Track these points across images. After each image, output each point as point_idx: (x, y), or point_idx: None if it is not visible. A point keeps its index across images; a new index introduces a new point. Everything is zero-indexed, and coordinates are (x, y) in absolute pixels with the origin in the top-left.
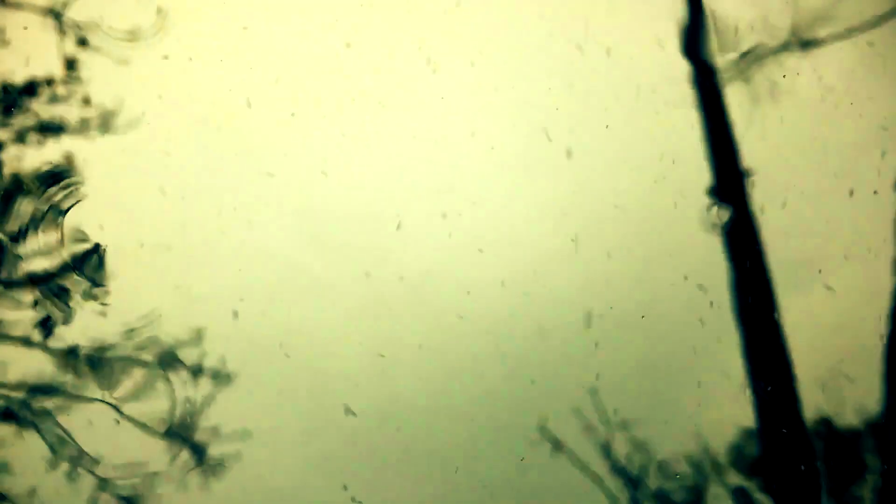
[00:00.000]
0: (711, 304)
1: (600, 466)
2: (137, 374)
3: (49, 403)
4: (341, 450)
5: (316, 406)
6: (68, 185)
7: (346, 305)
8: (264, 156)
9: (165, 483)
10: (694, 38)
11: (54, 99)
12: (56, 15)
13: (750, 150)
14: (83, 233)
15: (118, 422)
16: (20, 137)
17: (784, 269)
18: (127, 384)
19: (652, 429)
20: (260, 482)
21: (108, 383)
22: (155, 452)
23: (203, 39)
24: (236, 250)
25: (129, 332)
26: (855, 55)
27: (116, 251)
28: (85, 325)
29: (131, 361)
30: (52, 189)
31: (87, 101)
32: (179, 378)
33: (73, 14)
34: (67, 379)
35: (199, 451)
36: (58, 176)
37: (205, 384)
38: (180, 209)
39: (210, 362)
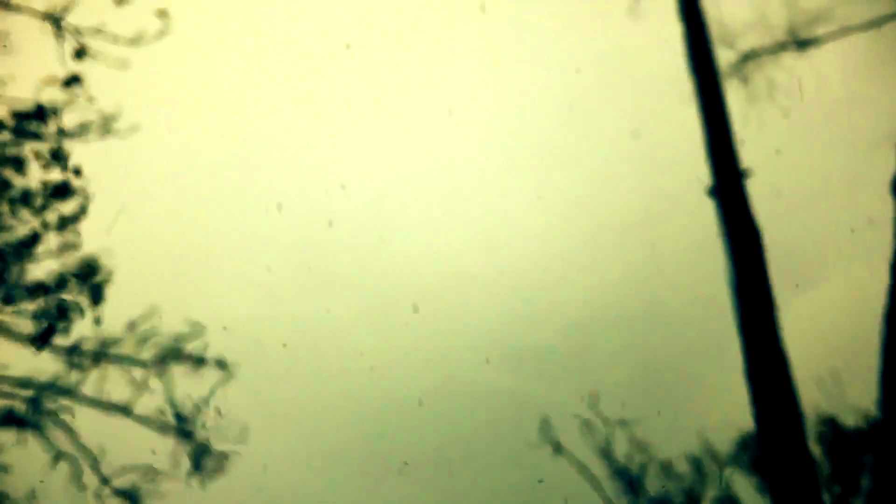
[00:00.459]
0: (711, 304)
1: (599, 467)
2: (139, 372)
3: (52, 402)
4: (340, 451)
5: (315, 406)
6: (73, 198)
7: (347, 305)
8: (265, 158)
9: (167, 480)
10: (695, 43)
11: (57, 109)
12: (55, 20)
13: (749, 151)
14: (84, 244)
15: (120, 419)
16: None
17: (783, 269)
18: (128, 382)
19: (652, 429)
20: (261, 479)
21: (109, 381)
22: (157, 449)
23: (204, 43)
24: (238, 251)
25: (131, 332)
26: (853, 55)
27: (118, 251)
28: (87, 324)
29: (133, 360)
30: (57, 202)
31: (87, 106)
32: (181, 376)
33: (72, 19)
34: (70, 377)
35: (200, 448)
36: (63, 189)
37: (206, 382)
38: (181, 209)
39: (211, 361)
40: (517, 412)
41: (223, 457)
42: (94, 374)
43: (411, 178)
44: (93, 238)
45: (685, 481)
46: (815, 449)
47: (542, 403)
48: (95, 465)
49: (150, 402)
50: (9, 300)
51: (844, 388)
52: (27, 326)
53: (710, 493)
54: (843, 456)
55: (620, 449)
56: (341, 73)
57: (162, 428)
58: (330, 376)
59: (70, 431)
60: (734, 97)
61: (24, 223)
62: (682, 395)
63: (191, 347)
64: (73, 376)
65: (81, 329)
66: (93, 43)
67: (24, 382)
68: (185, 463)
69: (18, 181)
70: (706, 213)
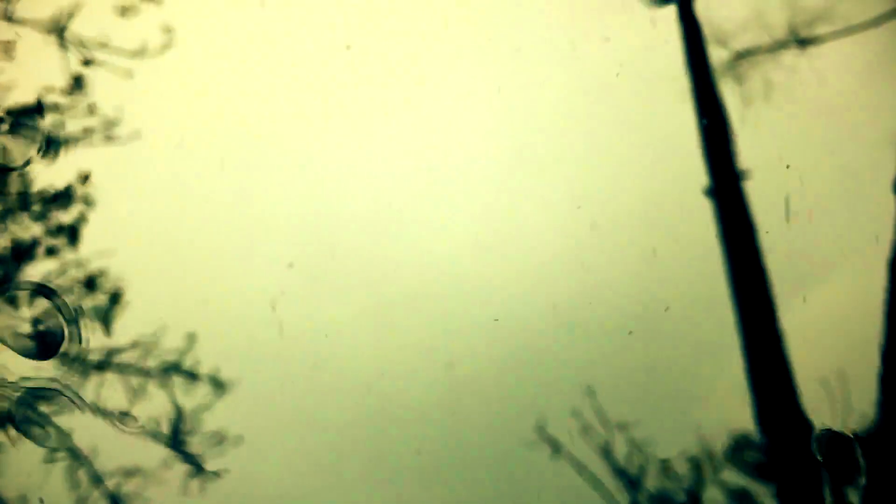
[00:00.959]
0: (711, 304)
1: (599, 468)
2: (137, 380)
3: (48, 407)
4: (337, 454)
5: (312, 409)
6: (77, 204)
7: (346, 309)
8: (268, 163)
9: (162, 488)
10: (692, 43)
11: (59, 114)
12: (59, 30)
13: (747, 151)
14: (86, 251)
15: (117, 427)
16: (32, 156)
17: (784, 269)
18: (126, 389)
19: (652, 429)
20: (256, 487)
21: (108, 388)
22: (152, 458)
23: (206, 50)
24: (241, 257)
25: (131, 340)
26: (853, 54)
27: (120, 260)
28: (88, 334)
29: (132, 368)
30: (60, 207)
31: (90, 114)
32: (178, 384)
33: (75, 29)
34: (68, 383)
35: (195, 457)
36: (67, 195)
37: (203, 390)
38: (183, 217)
39: (207, 369)
40: (517, 412)
41: (215, 474)
42: (93, 382)
43: (412, 178)
44: (94, 245)
45: (684, 481)
46: (816, 449)
47: (542, 403)
48: (90, 472)
49: (149, 409)
50: (9, 305)
51: (845, 389)
52: (29, 332)
53: (710, 493)
54: (843, 456)
55: (620, 449)
56: (342, 75)
57: (159, 435)
58: (330, 378)
59: (65, 435)
60: (732, 96)
61: (25, 229)
62: (683, 396)
63: (188, 359)
64: (73, 382)
65: (84, 334)
66: (97, 54)
67: (21, 384)
68: (182, 470)
69: (18, 186)
70: (705, 214)
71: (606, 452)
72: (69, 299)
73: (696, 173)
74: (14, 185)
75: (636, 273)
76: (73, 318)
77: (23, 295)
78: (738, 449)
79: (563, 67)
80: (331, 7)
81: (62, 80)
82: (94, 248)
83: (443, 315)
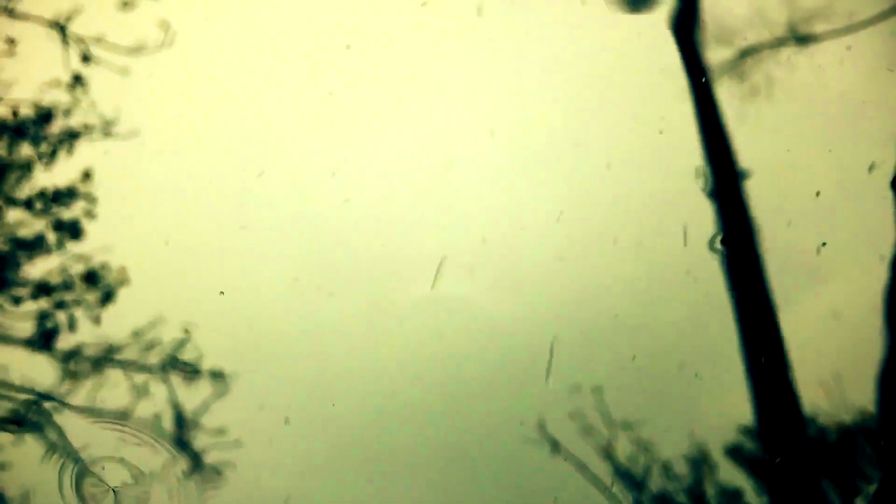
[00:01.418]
0: (712, 304)
1: (599, 468)
2: (137, 377)
3: (49, 406)
4: (337, 453)
5: (313, 408)
6: (79, 201)
7: (345, 307)
8: (266, 161)
9: (163, 486)
10: (687, 28)
11: (63, 113)
12: (61, 27)
13: (747, 150)
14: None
15: (116, 425)
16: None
17: (784, 269)
18: (126, 387)
19: (652, 429)
20: (257, 485)
21: (107, 386)
22: (153, 456)
23: (206, 49)
24: (238, 254)
25: (130, 336)
26: (853, 52)
27: (119, 256)
28: (87, 330)
29: (132, 364)
30: (61, 204)
31: (90, 111)
32: (178, 381)
33: (76, 27)
34: (68, 382)
35: (196, 454)
36: (70, 193)
37: (203, 387)
38: (182, 214)
39: (208, 365)
40: (518, 411)
41: (216, 469)
42: (92, 380)
43: (412, 177)
44: (96, 241)
45: (685, 481)
46: (816, 448)
47: (542, 404)
48: (90, 471)
49: (149, 406)
50: (9, 302)
51: (846, 388)
52: (27, 329)
53: (711, 493)
54: (843, 456)
55: (621, 449)
56: (342, 74)
57: (160, 432)
58: (330, 376)
59: (63, 434)
60: (731, 95)
61: (28, 226)
62: (684, 395)
63: (187, 354)
64: (72, 378)
65: (84, 330)
66: (96, 50)
67: (21, 383)
68: (183, 468)
69: (22, 183)
70: (705, 214)
71: (607, 452)
72: (69, 296)
73: (697, 173)
74: (14, 182)
75: (637, 273)
76: (73, 315)
77: (23, 292)
78: (739, 449)
79: (563, 67)
80: (331, 7)
81: (64, 76)
82: (94, 244)
83: (442, 313)
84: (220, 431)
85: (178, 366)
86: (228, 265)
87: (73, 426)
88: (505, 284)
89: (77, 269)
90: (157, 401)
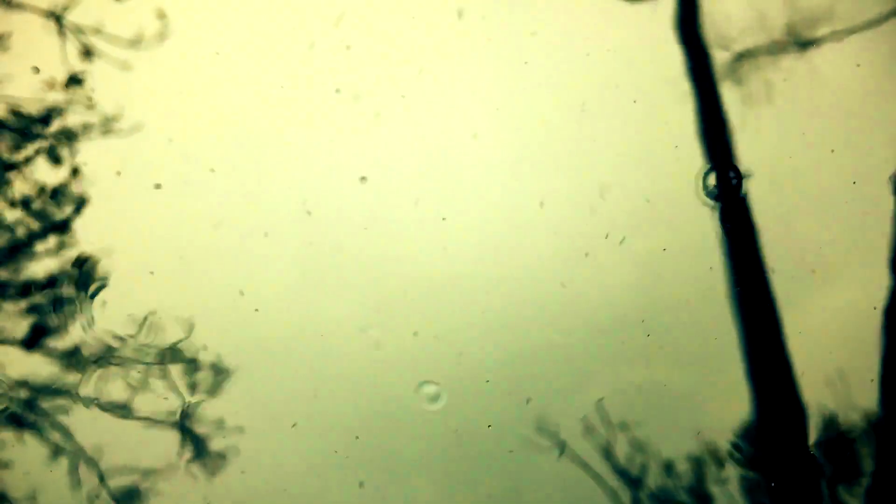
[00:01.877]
0: (713, 304)
1: (600, 467)
2: (138, 372)
3: (50, 403)
4: (338, 452)
5: (313, 406)
6: (72, 200)
7: (347, 304)
8: (266, 158)
9: (166, 479)
10: (690, 27)
11: (58, 109)
12: (57, 18)
13: (747, 152)
14: (83, 245)
15: (118, 419)
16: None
17: (784, 270)
18: (127, 381)
19: (654, 429)
20: (259, 477)
21: (108, 381)
22: (155, 449)
23: (205, 43)
24: (238, 250)
25: (130, 331)
26: (853, 55)
27: (117, 251)
28: (85, 326)
29: (132, 360)
30: (56, 202)
31: (88, 106)
32: (179, 374)
33: (74, 18)
34: (68, 378)
35: (199, 447)
36: (62, 190)
37: (205, 380)
38: (181, 211)
39: (210, 358)
40: (520, 411)
41: (220, 455)
42: (92, 374)
43: (412, 177)
44: (91, 238)
45: (686, 480)
46: (817, 448)
47: (545, 402)
48: (93, 464)
49: (151, 399)
50: (4, 300)
51: (846, 388)
52: (21, 327)
53: (712, 493)
54: (843, 456)
55: (622, 449)
56: (342, 74)
57: (162, 425)
58: (331, 375)
59: (66, 432)
60: (732, 98)
61: (21, 224)
62: (685, 396)
63: (186, 349)
64: (71, 376)
65: (78, 330)
66: (95, 42)
67: (20, 383)
68: (185, 461)
69: (17, 183)
70: (705, 216)
71: (608, 452)
72: (66, 293)
73: (697, 174)
74: (12, 180)
75: (638, 273)
76: (72, 312)
77: (19, 290)
78: (740, 448)
79: (564, 67)
80: (331, 7)
81: (61, 71)
82: (93, 242)
83: (445, 313)
84: (221, 427)
85: (180, 362)
86: (229, 264)
87: (75, 420)
88: (505, 284)
89: (73, 267)
90: (159, 395)
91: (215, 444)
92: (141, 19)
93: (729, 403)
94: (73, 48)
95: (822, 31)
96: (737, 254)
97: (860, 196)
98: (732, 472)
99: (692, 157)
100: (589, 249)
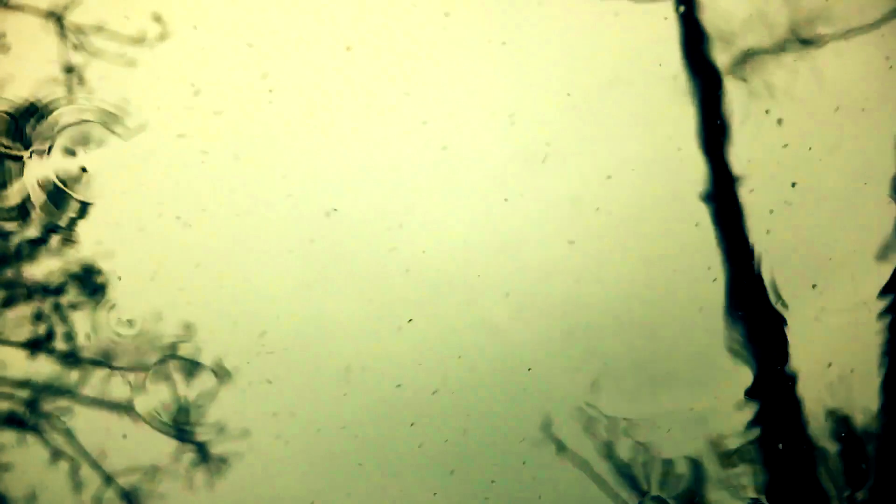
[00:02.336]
0: (714, 304)
1: (601, 467)
2: (139, 374)
3: (51, 404)
4: (339, 451)
5: (314, 406)
6: (75, 203)
7: (346, 304)
8: (267, 162)
9: (169, 481)
10: (692, 42)
11: (57, 108)
12: (57, 18)
13: (747, 152)
14: (88, 251)
15: (120, 421)
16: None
17: (784, 270)
18: (128, 383)
19: (655, 429)
20: (263, 480)
21: (109, 382)
22: (158, 450)
23: (206, 42)
24: (239, 252)
25: (132, 333)
26: (854, 54)
27: (118, 252)
28: (87, 328)
29: (133, 361)
30: (59, 206)
31: (87, 107)
32: (181, 376)
33: (74, 18)
34: (69, 379)
35: (202, 449)
36: (64, 193)
37: (206, 382)
38: (181, 210)
39: (210, 360)
40: (522, 411)
41: (222, 459)
42: (94, 376)
43: (412, 177)
44: (94, 240)
45: (687, 480)
46: (818, 447)
47: (545, 404)
48: (95, 466)
49: (153, 401)
50: (6, 303)
51: (847, 388)
52: (24, 332)
53: (712, 493)
54: (844, 457)
55: (623, 448)
56: (342, 74)
57: (164, 427)
58: (332, 375)
59: (68, 433)
60: (732, 97)
61: (24, 227)
62: (685, 396)
63: (187, 351)
64: (73, 377)
65: (84, 329)
66: (96, 42)
67: (22, 383)
68: (188, 462)
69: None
70: (703, 218)
71: (610, 451)
72: (68, 294)
73: (698, 175)
74: (10, 181)
75: (637, 274)
76: (72, 313)
77: (21, 292)
78: (740, 448)
79: (564, 67)
80: (330, 7)
81: (60, 71)
82: (93, 242)
83: (447, 313)
84: (222, 429)
85: (180, 362)
86: (230, 263)
87: (77, 422)
88: (506, 284)
89: (75, 268)
90: (160, 395)
91: (216, 446)
92: (140, 21)
93: (730, 404)
94: (73, 48)
95: (823, 31)
96: (736, 254)
97: (860, 196)
98: (732, 472)
99: (692, 157)
100: (591, 249)
